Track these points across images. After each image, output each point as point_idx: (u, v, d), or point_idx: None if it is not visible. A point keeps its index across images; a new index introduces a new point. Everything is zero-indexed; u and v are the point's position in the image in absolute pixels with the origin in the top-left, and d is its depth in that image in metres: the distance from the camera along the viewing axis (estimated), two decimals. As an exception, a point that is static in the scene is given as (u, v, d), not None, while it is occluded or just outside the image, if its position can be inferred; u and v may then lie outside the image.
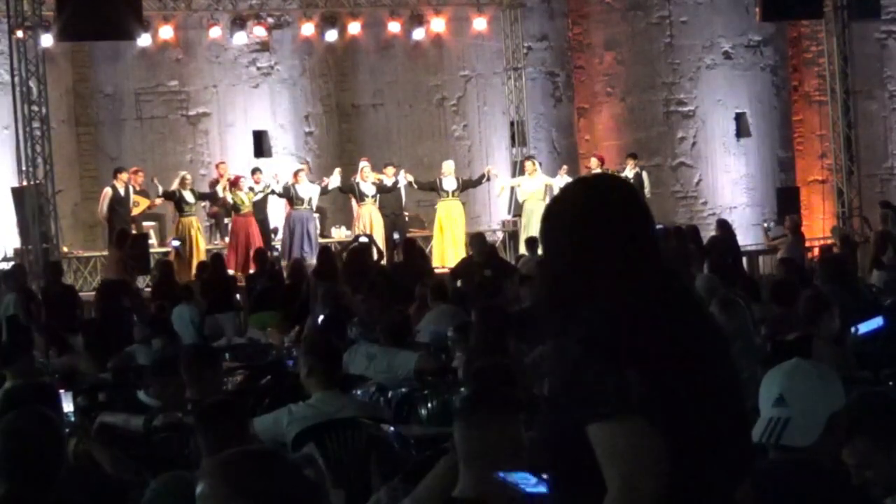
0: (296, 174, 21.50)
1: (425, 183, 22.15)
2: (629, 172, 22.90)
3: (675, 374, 3.08)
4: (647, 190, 22.95)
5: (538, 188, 22.30)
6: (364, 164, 21.85)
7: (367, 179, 21.56)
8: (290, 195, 21.30)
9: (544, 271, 3.35)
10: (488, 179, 22.50)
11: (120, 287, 15.31)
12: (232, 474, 2.83)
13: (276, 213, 22.08)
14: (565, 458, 3.15)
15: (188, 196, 20.99)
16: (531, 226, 21.65)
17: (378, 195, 21.60)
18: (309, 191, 21.36)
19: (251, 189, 21.20)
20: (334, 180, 21.50)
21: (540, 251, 3.50)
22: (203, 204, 21.69)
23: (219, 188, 21.30)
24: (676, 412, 3.04)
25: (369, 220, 21.34)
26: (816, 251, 20.59)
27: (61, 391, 6.47)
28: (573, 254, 3.19)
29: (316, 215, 21.90)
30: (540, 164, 23.10)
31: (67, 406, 6.34)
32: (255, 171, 21.71)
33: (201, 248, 20.81)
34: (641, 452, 2.99)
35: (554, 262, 3.26)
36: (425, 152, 24.06)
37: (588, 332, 3.10)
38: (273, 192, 21.41)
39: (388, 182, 21.79)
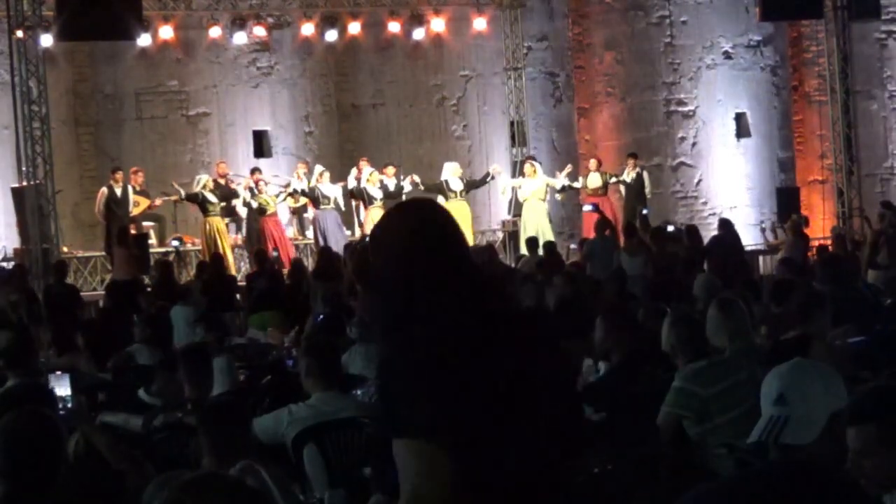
0: (321, 174, 21.58)
1: (432, 185, 22.16)
2: (631, 172, 22.92)
3: (469, 400, 3.35)
4: (647, 190, 22.97)
5: (538, 188, 22.34)
6: (372, 170, 21.87)
7: (374, 183, 21.62)
8: (314, 195, 21.37)
9: (376, 292, 3.63)
10: (492, 178, 22.52)
11: (134, 287, 15.30)
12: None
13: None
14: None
15: (211, 197, 21.06)
16: (530, 226, 21.95)
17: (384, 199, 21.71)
18: (333, 190, 21.44)
19: (285, 190, 21.41)
20: (350, 182, 21.62)
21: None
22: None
23: (243, 191, 21.39)
24: (464, 434, 3.32)
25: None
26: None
27: (58, 372, 6.44)
28: (395, 277, 3.46)
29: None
30: (540, 163, 23.11)
31: (65, 391, 6.30)
32: (254, 170, 21.77)
33: (227, 246, 20.90)
34: (426, 469, 3.29)
35: (382, 285, 3.52)
36: (425, 152, 24.06)
37: (397, 356, 3.38)
38: (295, 191, 21.51)
39: (388, 182, 21.81)
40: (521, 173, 23.05)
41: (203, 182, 21.15)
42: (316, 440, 6.78)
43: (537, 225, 22.08)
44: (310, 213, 22.05)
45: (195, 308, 14.14)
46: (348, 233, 21.88)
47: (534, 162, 22.84)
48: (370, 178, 21.63)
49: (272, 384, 9.27)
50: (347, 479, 6.64)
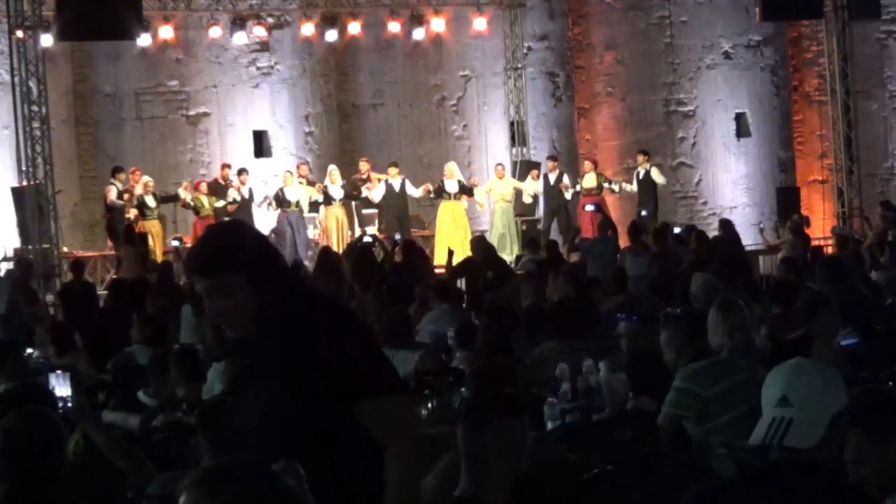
0: (284, 177, 21.64)
1: (436, 190, 22.24)
2: (640, 169, 22.93)
3: None
4: (660, 183, 22.94)
5: (507, 191, 22.55)
6: (332, 168, 21.95)
7: (335, 182, 21.69)
8: (278, 199, 21.47)
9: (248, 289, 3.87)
10: (473, 186, 22.64)
11: (141, 286, 15.25)
12: (210, 488, 2.85)
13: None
14: (319, 438, 3.81)
15: (149, 200, 21.14)
16: (499, 226, 22.40)
17: (355, 198, 21.97)
18: (297, 193, 21.46)
19: (237, 189, 21.43)
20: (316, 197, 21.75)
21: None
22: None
23: (180, 191, 21.40)
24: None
25: (335, 223, 21.52)
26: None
27: (59, 372, 6.43)
28: (275, 269, 3.94)
29: (314, 214, 22.01)
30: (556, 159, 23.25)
31: (65, 391, 6.28)
32: (241, 171, 21.81)
33: (158, 251, 20.87)
34: (417, 414, 4.05)
35: (260, 278, 3.86)
36: (425, 152, 24.06)
37: (346, 327, 3.90)
38: (235, 200, 21.42)
39: (394, 182, 21.86)
40: (524, 175, 23.16)
41: (142, 183, 21.23)
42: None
43: (504, 227, 22.29)
44: (274, 214, 22.09)
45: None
46: (313, 235, 21.92)
47: (503, 166, 22.91)
48: (331, 176, 21.72)
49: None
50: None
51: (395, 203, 21.90)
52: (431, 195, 22.22)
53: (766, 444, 3.69)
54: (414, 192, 22.02)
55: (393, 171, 22.05)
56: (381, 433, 3.89)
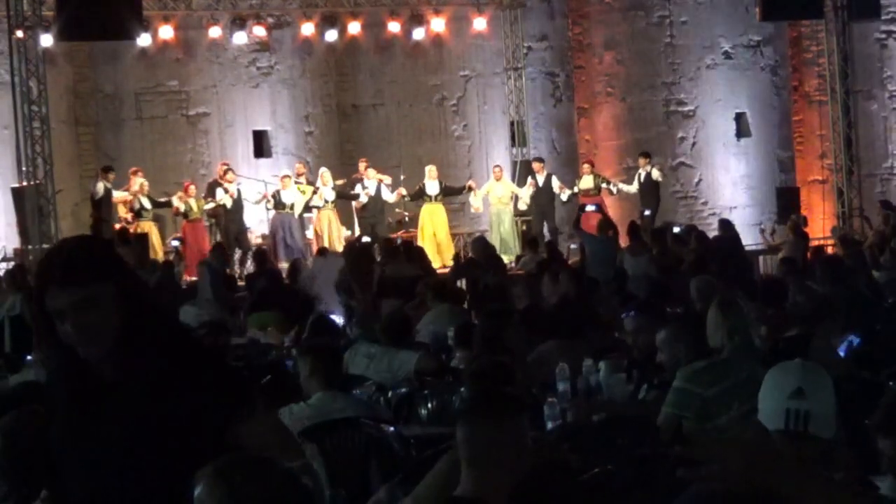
0: (283, 179, 21.65)
1: (414, 193, 22.27)
2: (641, 171, 22.92)
3: None
4: (655, 178, 22.90)
5: (504, 193, 22.58)
6: (323, 170, 21.97)
7: (327, 185, 21.71)
8: (274, 200, 21.51)
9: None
10: (469, 190, 22.62)
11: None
12: (228, 479, 2.85)
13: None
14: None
15: (145, 202, 21.14)
16: (497, 228, 22.48)
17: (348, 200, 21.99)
18: (293, 196, 21.49)
19: (226, 192, 21.44)
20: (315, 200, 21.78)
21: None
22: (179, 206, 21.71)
23: (174, 199, 21.43)
24: None
25: (327, 225, 21.55)
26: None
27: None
28: (138, 284, 3.79)
29: (309, 215, 22.06)
30: (543, 161, 23.20)
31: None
32: (227, 170, 21.81)
33: (157, 251, 20.91)
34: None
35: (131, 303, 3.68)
36: (425, 152, 24.06)
37: (203, 354, 3.81)
38: (222, 202, 21.43)
39: (369, 183, 21.86)
40: (523, 179, 23.15)
41: (138, 185, 21.25)
42: (316, 440, 6.79)
43: (503, 228, 22.32)
44: (270, 215, 22.09)
45: (200, 308, 14.17)
46: (310, 236, 21.96)
47: (501, 168, 22.91)
48: (322, 178, 21.75)
49: (272, 384, 9.26)
50: (348, 478, 6.64)
51: (371, 205, 21.94)
52: (406, 199, 22.23)
53: (790, 430, 3.73)
54: (389, 196, 22.04)
55: (371, 173, 22.07)
56: (269, 448, 3.76)
